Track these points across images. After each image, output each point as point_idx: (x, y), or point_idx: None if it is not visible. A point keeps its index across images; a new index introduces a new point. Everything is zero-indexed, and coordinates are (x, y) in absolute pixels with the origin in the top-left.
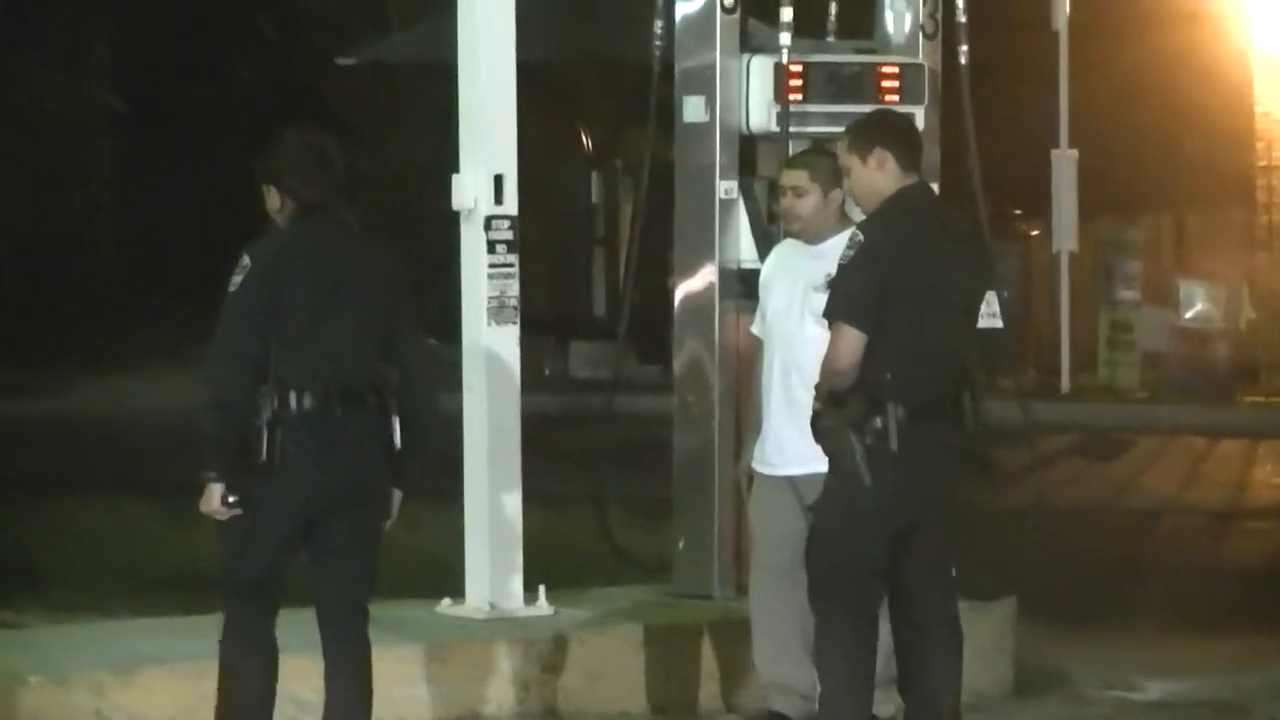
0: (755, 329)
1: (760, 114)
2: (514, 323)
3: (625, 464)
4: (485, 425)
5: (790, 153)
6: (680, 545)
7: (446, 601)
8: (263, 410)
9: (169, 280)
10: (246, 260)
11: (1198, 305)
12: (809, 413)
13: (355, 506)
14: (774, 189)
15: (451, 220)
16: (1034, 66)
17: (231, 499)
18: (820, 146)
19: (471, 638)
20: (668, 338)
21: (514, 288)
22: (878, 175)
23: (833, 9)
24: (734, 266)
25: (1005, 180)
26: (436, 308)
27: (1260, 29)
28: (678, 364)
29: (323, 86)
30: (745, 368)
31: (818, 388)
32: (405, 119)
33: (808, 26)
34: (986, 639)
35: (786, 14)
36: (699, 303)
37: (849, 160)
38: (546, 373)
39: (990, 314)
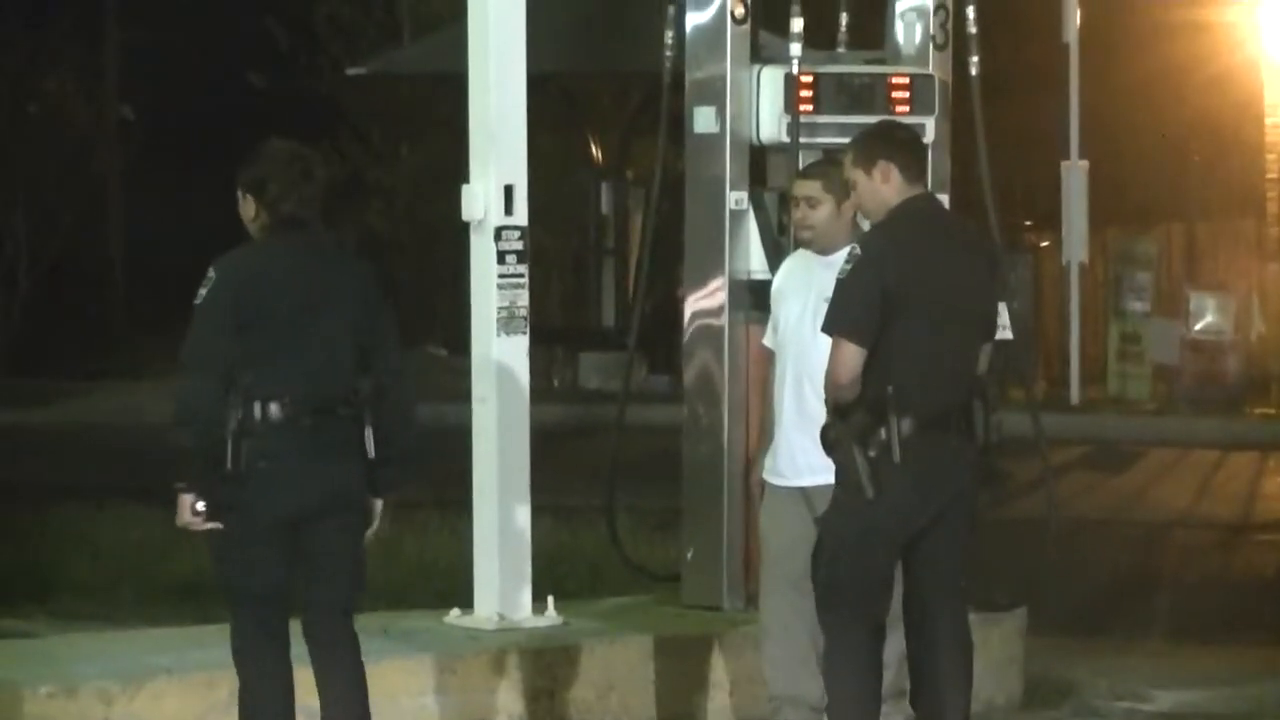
0: (767, 340)
1: (771, 125)
2: (524, 333)
3: (635, 475)
4: (495, 436)
5: (801, 164)
6: (690, 556)
7: (456, 612)
8: (228, 421)
9: (181, 289)
10: (213, 273)
11: (1208, 317)
12: (821, 424)
13: (332, 515)
14: (784, 200)
15: (462, 230)
16: (1045, 78)
17: (200, 506)
18: (833, 157)
19: (481, 648)
20: (678, 348)
21: (524, 298)
22: (883, 187)
23: (843, 20)
24: (744, 277)
25: (1016, 191)
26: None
27: (1271, 40)
28: (688, 375)
29: (335, 97)
30: (756, 379)
31: (825, 400)
32: (416, 130)
33: (818, 37)
34: (997, 650)
35: (797, 25)
36: (709, 313)
37: (854, 173)
38: (556, 383)
39: (1000, 325)
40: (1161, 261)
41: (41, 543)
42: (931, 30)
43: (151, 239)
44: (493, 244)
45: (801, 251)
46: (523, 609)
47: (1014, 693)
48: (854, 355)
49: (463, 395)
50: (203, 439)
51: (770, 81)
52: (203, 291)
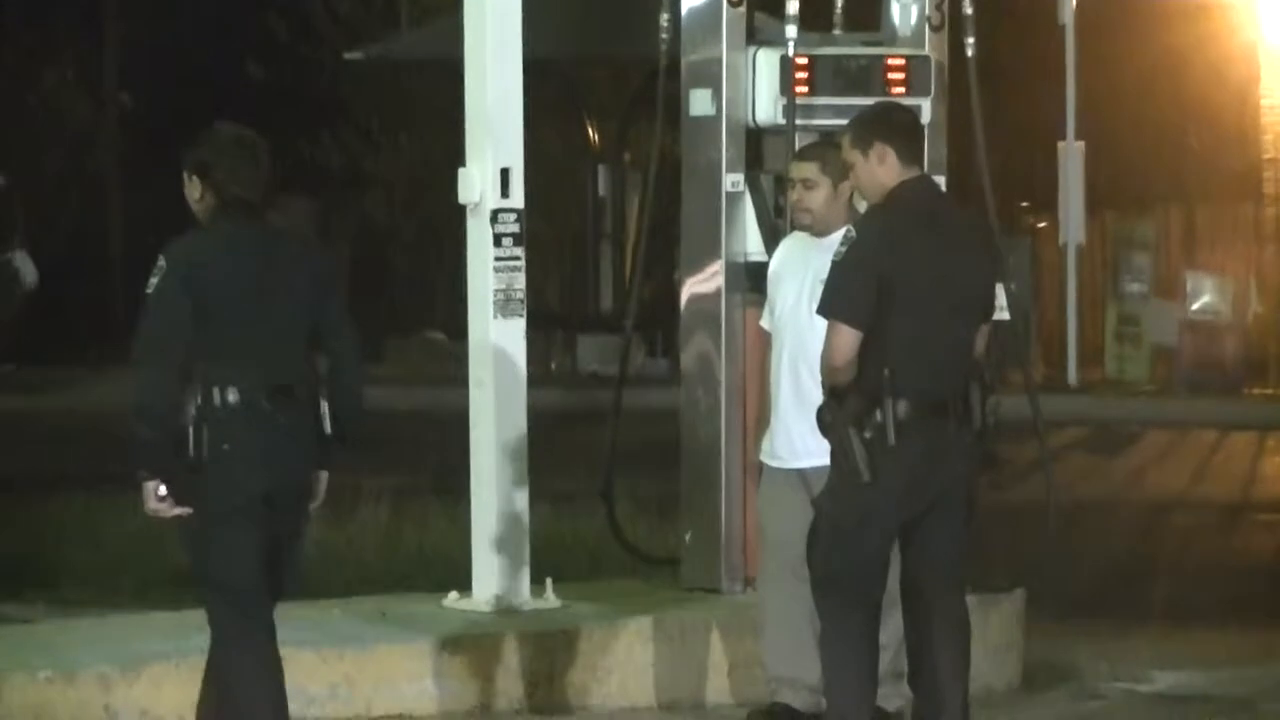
0: (764, 323)
1: (767, 107)
2: (520, 316)
3: (633, 458)
4: (492, 419)
5: (797, 146)
6: (688, 539)
7: (454, 596)
8: (188, 408)
9: None
10: (163, 261)
11: (1205, 298)
12: (817, 406)
13: (290, 495)
14: (780, 182)
15: (458, 214)
16: (1041, 60)
17: (162, 492)
18: (829, 139)
19: (480, 632)
20: (675, 331)
21: (520, 281)
22: (879, 169)
23: (839, 1)
24: (741, 260)
25: (1013, 173)
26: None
27: (1268, 22)
28: (685, 358)
29: (334, 87)
30: (753, 361)
31: (821, 383)
32: (415, 118)
33: (814, 19)
34: (995, 633)
35: (793, 7)
36: (706, 296)
37: (851, 155)
38: (554, 367)
39: (998, 306)
40: (1159, 243)
41: (41, 530)
42: (928, 12)
43: (151, 229)
44: (489, 227)
45: (798, 233)
46: (521, 592)
47: (1013, 676)
48: (849, 338)
49: (461, 380)
50: (161, 427)
51: (766, 64)
52: (153, 280)
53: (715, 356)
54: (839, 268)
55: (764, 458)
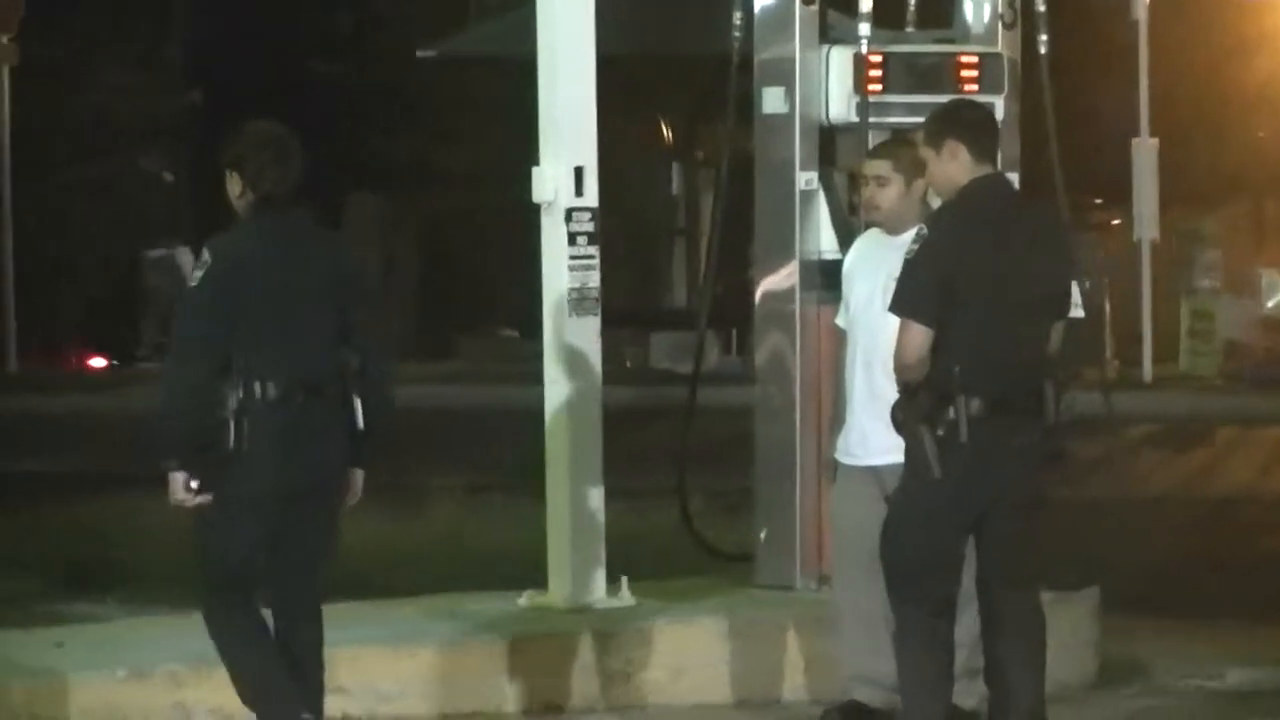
0: (839, 320)
1: (840, 105)
2: (595, 314)
3: (707, 456)
4: (566, 418)
5: (870, 143)
6: (762, 536)
7: (529, 593)
8: (228, 401)
9: None
10: (206, 256)
11: (1279, 294)
12: (891, 403)
13: (320, 491)
14: (854, 180)
15: (532, 213)
16: (1114, 56)
17: (193, 484)
18: (902, 137)
19: (554, 630)
20: (749, 329)
21: (595, 279)
22: (951, 166)
23: None
24: (814, 258)
25: (1086, 169)
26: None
27: None
28: (759, 355)
29: (402, 80)
30: (827, 358)
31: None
32: (485, 112)
33: (887, 16)
34: (1069, 630)
35: (865, 4)
36: (780, 294)
37: (925, 152)
38: (628, 365)
39: (1071, 304)
40: (1232, 239)
41: (114, 529)
42: (1000, 9)
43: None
44: (563, 225)
45: (873, 231)
46: (596, 590)
47: (1086, 672)
48: (920, 336)
49: (535, 377)
50: (190, 418)
51: (839, 61)
52: (197, 274)
53: (789, 354)
54: (910, 265)
55: (838, 455)
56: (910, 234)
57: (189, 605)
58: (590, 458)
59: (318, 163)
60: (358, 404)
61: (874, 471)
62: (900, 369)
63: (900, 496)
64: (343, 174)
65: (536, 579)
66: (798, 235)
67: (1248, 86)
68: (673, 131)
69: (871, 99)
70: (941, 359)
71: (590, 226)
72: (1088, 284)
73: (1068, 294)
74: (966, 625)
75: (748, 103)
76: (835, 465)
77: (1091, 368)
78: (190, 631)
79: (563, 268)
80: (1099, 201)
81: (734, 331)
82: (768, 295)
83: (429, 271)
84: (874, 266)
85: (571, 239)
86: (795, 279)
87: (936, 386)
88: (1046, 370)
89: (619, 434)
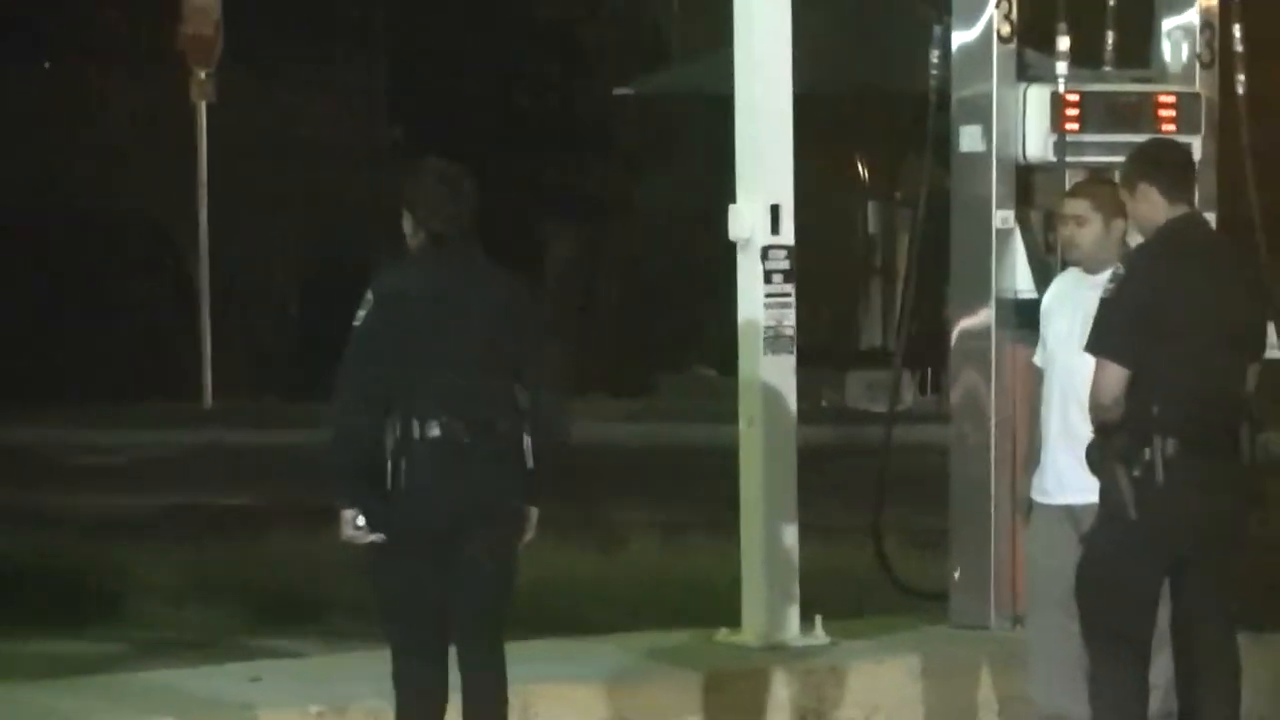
0: (1037, 359)
1: (1037, 143)
2: (790, 353)
3: (902, 494)
4: (762, 455)
5: (1067, 183)
6: (956, 575)
7: (724, 631)
8: (387, 440)
9: None
10: (370, 294)
11: None
12: (1087, 443)
13: (484, 527)
14: (1050, 219)
15: (729, 250)
16: None
17: (360, 523)
18: (1100, 176)
19: (749, 667)
20: (944, 368)
21: (790, 318)
22: (1144, 207)
23: (1109, 38)
24: (1010, 296)
25: None
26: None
27: None
28: (955, 394)
29: (601, 118)
30: (1023, 397)
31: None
32: (686, 149)
33: (1085, 55)
34: (1267, 671)
35: (1063, 43)
36: (976, 333)
37: (1122, 193)
38: (823, 403)
39: (1271, 345)
40: None
41: (312, 562)
42: (1198, 49)
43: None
44: (759, 263)
45: (1071, 270)
46: (790, 628)
47: None
48: (1116, 376)
49: (731, 415)
50: (359, 457)
51: (1036, 100)
52: (361, 313)
53: (984, 393)
54: (1106, 305)
55: (1033, 494)
56: (1108, 273)
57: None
58: (785, 495)
59: (519, 197)
60: (527, 441)
61: (1069, 511)
62: (1096, 409)
63: (1096, 537)
64: (543, 209)
65: (733, 616)
66: (994, 274)
67: None
68: (870, 170)
69: (1068, 138)
70: (1138, 399)
71: (786, 264)
72: None
73: (1264, 334)
74: (1162, 667)
75: (945, 141)
76: (1030, 504)
77: None
78: (389, 668)
79: (758, 305)
80: None
81: (929, 370)
82: (963, 334)
83: (628, 307)
84: (1072, 305)
85: (767, 277)
86: (991, 318)
87: (1133, 426)
88: (1243, 411)
89: (814, 472)
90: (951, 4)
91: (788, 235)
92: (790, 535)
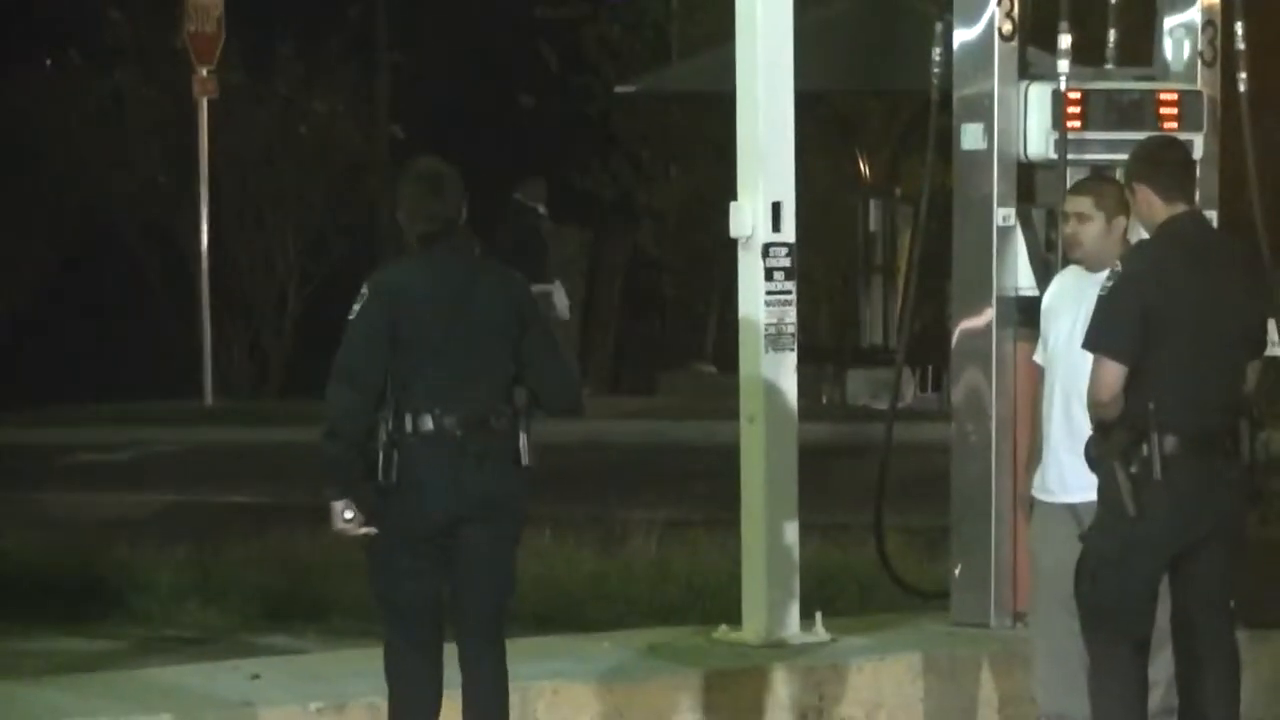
0: (1038, 357)
1: (1039, 141)
2: (791, 350)
3: (903, 492)
4: (763, 453)
5: (1068, 180)
6: (957, 573)
7: (724, 629)
8: (379, 433)
9: None
10: (365, 289)
11: None
12: (1085, 440)
13: (482, 522)
14: (1052, 216)
15: (731, 248)
16: None
17: (348, 515)
18: (1102, 174)
19: (749, 665)
20: (946, 366)
21: (791, 315)
22: (1142, 206)
23: (1111, 36)
24: (1012, 294)
25: None
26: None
27: None
28: (956, 392)
29: (605, 118)
30: (1025, 395)
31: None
32: (684, 147)
33: (1086, 53)
34: (1267, 668)
35: (1065, 41)
36: (977, 331)
37: (1125, 190)
38: (824, 401)
39: (1270, 341)
40: None
41: (311, 560)
42: (1200, 47)
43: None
44: (760, 261)
45: (1072, 268)
46: (791, 626)
47: None
48: (1115, 373)
49: (732, 413)
50: (352, 450)
51: (1038, 98)
52: (356, 307)
53: (986, 391)
54: (1105, 302)
55: (1035, 492)
56: (1109, 271)
57: None
58: (786, 493)
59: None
60: (523, 438)
61: (1071, 509)
62: (1095, 405)
63: (1095, 534)
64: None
65: (733, 614)
66: (995, 272)
67: None
68: (871, 167)
69: (1070, 136)
70: (1137, 396)
71: (787, 262)
72: None
73: (1264, 331)
74: (1162, 664)
75: (947, 139)
76: (1032, 502)
77: None
78: None
79: (759, 303)
80: None
81: (931, 368)
82: (965, 332)
83: (629, 305)
84: (1074, 303)
85: (769, 274)
86: (993, 316)
87: (1131, 423)
88: (1242, 408)
89: (815, 470)
90: (953, 2)
91: (789, 233)
92: (791, 533)
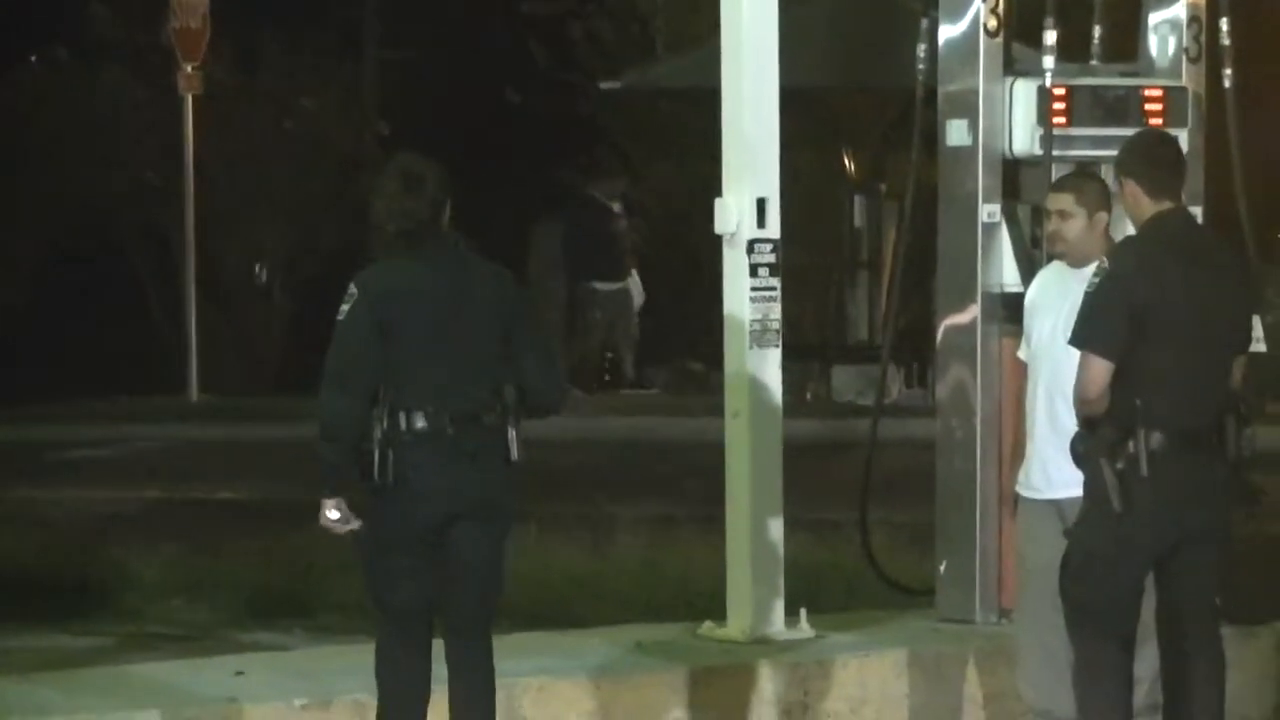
0: (1021, 353)
1: (1024, 137)
2: (776, 346)
3: (889, 488)
4: (748, 449)
5: (1053, 177)
6: (943, 569)
7: (709, 625)
8: (373, 432)
9: None
10: (354, 288)
11: None
12: (1072, 437)
13: (472, 521)
14: (1037, 213)
15: (716, 244)
16: None
17: (336, 514)
18: (1086, 170)
19: (734, 662)
20: (931, 362)
21: (776, 311)
22: (1129, 200)
23: (1096, 32)
24: (996, 290)
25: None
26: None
27: None
28: (940, 388)
29: (592, 114)
30: (1010, 391)
31: (1075, 413)
32: (671, 143)
33: (1071, 49)
34: (1252, 666)
35: (1050, 37)
36: (962, 327)
37: (1112, 185)
38: (809, 397)
39: (1255, 338)
40: None
41: (296, 557)
42: (1185, 43)
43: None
44: (745, 257)
45: (1056, 264)
46: (776, 622)
47: (1270, 708)
48: (1101, 369)
49: (718, 409)
50: (343, 450)
51: (1023, 94)
52: (344, 308)
53: (971, 387)
54: (1091, 299)
55: (1020, 488)
56: (1093, 267)
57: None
58: (771, 489)
59: (506, 192)
60: (512, 435)
61: (1056, 505)
62: (1081, 402)
63: (1081, 530)
64: (530, 203)
65: (718, 610)
66: (980, 268)
67: None
68: (856, 164)
69: (1055, 132)
70: (1123, 392)
71: (772, 258)
72: (1269, 318)
73: (1249, 327)
74: (1147, 660)
75: (932, 135)
76: (1017, 499)
77: (1273, 402)
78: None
79: (744, 299)
80: None
81: (915, 364)
82: (950, 328)
83: None
84: (1058, 299)
85: (753, 270)
86: (977, 312)
87: (1117, 420)
88: (1228, 404)
89: (800, 466)
90: None
91: (774, 229)
92: (776, 529)
